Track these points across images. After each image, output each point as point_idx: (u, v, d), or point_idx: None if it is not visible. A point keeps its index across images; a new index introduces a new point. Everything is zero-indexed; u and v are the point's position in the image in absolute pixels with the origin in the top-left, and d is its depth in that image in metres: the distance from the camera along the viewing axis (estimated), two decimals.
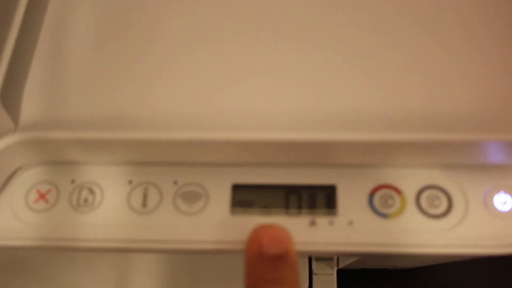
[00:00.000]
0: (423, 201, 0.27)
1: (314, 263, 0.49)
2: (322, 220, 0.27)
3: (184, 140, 0.26)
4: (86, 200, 0.28)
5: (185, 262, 0.50)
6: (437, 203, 0.27)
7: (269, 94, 0.27)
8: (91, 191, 0.29)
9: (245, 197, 0.28)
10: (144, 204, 0.28)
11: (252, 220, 0.27)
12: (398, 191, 0.28)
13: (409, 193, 0.28)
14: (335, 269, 0.49)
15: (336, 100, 0.26)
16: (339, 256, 0.43)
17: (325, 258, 0.49)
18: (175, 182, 0.28)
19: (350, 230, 0.27)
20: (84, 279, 0.49)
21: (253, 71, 0.27)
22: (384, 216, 0.27)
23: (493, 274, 0.55)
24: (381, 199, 0.28)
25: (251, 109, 0.26)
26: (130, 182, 0.29)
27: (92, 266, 0.50)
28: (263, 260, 0.25)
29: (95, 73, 0.28)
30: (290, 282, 0.24)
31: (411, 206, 0.27)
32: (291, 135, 0.25)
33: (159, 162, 0.29)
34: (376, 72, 0.27)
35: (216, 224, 0.27)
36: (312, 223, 0.27)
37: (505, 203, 0.27)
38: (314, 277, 0.48)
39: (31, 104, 0.27)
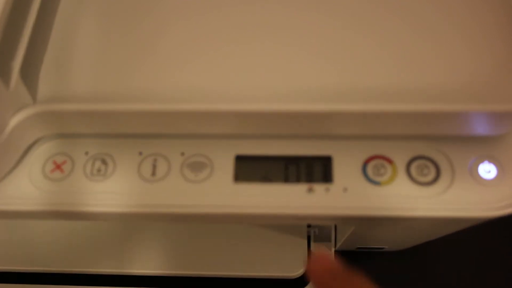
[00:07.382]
0: (413, 170, 0.29)
1: (312, 244, 0.51)
2: (319, 187, 0.29)
3: (189, 111, 0.27)
4: (99, 170, 0.30)
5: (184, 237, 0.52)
6: (425, 172, 0.29)
7: (270, 70, 0.29)
8: (104, 162, 0.31)
9: (247, 167, 0.30)
10: (153, 173, 0.30)
11: (254, 188, 0.29)
12: (389, 161, 0.30)
13: (400, 162, 0.30)
14: (333, 250, 0.51)
15: (332, 75, 0.28)
16: (335, 223, 0.45)
17: (324, 238, 0.51)
18: (182, 153, 0.31)
19: (345, 196, 0.29)
20: (85, 253, 0.51)
21: (254, 49, 0.29)
22: (376, 183, 0.29)
23: (486, 256, 0.57)
24: (374, 168, 0.30)
25: (254, 83, 0.28)
26: (140, 153, 0.31)
27: (94, 242, 0.51)
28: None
29: (104, 53, 0.30)
30: None
31: (401, 175, 0.29)
32: (290, 106, 0.27)
33: (167, 134, 0.31)
34: (369, 50, 0.29)
35: (221, 191, 0.29)
36: (310, 190, 0.29)
37: (489, 171, 0.29)
38: None
39: (47, 81, 0.29)
